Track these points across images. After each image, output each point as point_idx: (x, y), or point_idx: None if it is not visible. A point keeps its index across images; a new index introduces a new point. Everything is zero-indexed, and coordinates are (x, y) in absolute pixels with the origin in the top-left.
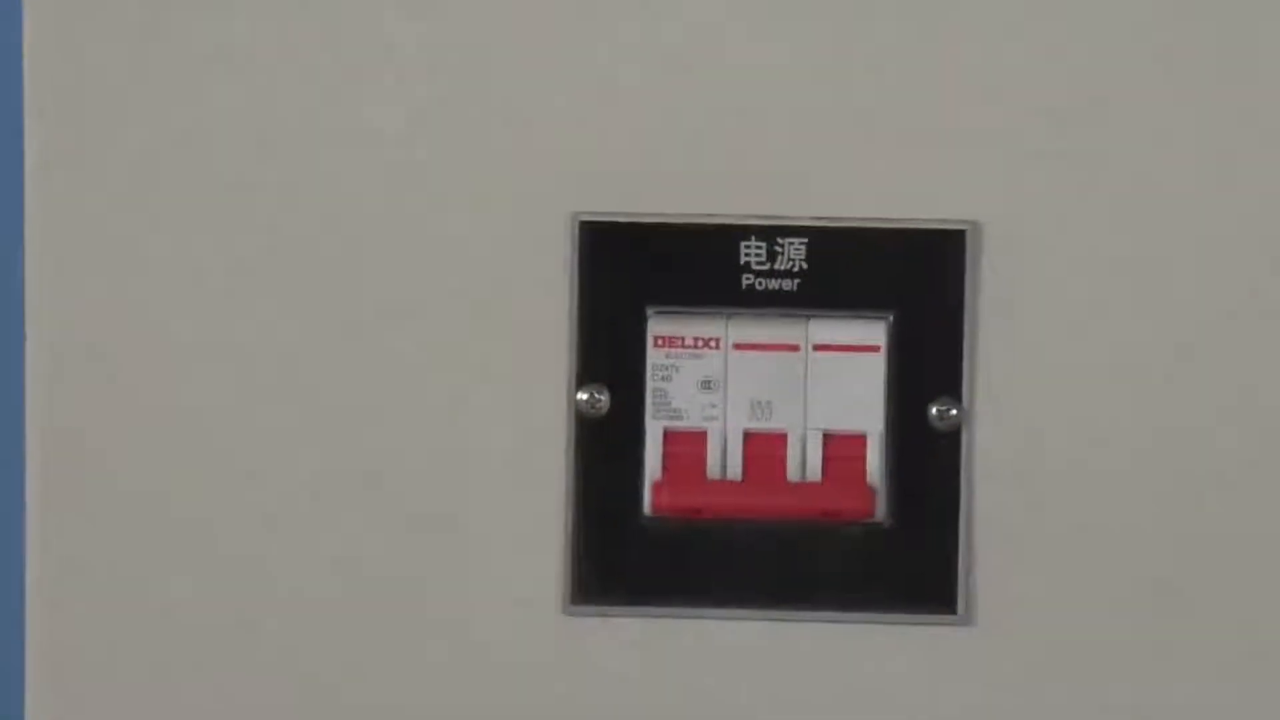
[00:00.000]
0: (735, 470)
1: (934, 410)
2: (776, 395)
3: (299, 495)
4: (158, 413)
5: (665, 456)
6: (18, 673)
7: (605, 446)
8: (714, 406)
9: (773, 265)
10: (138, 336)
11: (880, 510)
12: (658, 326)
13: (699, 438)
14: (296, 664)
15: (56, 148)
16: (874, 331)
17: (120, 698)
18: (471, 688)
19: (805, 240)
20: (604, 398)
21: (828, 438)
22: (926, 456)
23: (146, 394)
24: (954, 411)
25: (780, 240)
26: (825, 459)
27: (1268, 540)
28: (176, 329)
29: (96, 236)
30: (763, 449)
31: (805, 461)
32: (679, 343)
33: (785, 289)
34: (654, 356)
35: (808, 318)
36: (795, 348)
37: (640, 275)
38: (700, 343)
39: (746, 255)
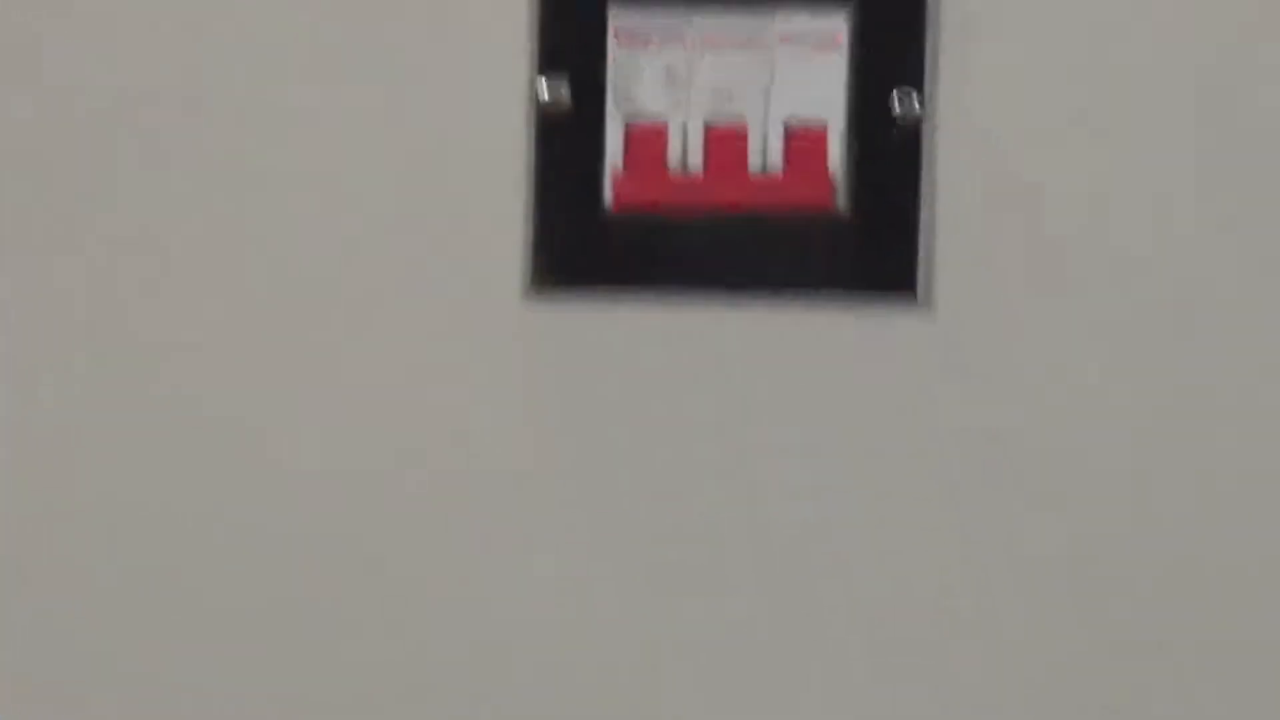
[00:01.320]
0: (696, 164)
1: (895, 96)
2: (738, 88)
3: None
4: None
5: (626, 150)
6: None
7: (566, 140)
8: (676, 101)
9: None
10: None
11: (841, 201)
12: (619, 19)
13: (660, 131)
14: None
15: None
16: (836, 22)
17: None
18: (434, 371)
19: None
20: (565, 92)
21: (789, 131)
22: (888, 148)
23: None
24: (915, 99)
25: None
26: (786, 151)
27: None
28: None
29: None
30: (724, 143)
31: (766, 154)
32: (641, 37)
33: None
34: (615, 50)
35: (772, 11)
36: (759, 41)
37: None
38: (663, 36)
39: None
